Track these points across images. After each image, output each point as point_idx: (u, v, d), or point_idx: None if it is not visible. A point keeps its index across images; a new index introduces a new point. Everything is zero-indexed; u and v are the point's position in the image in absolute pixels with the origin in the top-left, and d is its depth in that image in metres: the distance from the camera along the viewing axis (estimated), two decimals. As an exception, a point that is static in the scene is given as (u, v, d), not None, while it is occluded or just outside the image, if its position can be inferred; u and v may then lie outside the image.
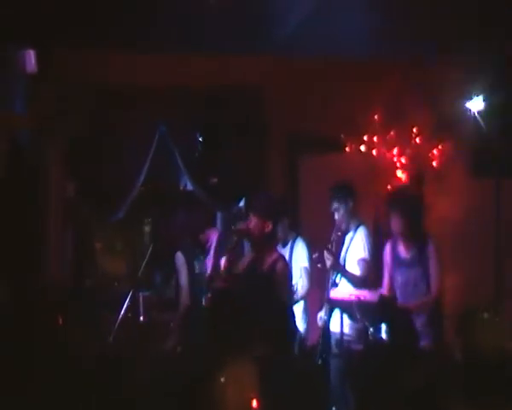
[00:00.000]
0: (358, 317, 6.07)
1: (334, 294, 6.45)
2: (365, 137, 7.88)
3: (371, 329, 6.03)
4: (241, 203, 7.87)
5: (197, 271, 7.07)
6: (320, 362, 6.41)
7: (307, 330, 7.10)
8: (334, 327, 6.53)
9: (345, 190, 6.71)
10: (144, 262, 7.12)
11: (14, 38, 7.19)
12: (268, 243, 5.80)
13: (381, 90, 7.55)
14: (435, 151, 7.91)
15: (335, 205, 6.67)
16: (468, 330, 5.28)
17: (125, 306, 6.90)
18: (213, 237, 7.31)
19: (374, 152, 7.90)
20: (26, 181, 7.51)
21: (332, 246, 6.58)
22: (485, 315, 5.29)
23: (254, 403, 4.90)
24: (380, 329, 6.08)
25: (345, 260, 6.71)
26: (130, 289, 7.06)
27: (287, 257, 6.56)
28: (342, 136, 7.88)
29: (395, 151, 7.88)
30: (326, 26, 7.08)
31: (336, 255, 6.60)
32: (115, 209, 7.85)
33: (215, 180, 8.11)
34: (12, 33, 7.07)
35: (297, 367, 6.14)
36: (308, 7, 6.82)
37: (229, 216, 7.95)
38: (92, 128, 7.67)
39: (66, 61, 7.60)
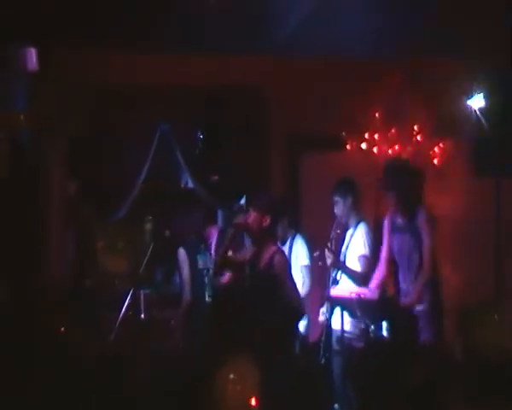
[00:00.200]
0: (359, 314, 6.08)
1: (335, 292, 6.44)
2: (366, 135, 7.88)
3: (372, 326, 6.03)
4: (242, 201, 7.87)
5: (200, 266, 7.08)
6: (323, 361, 6.40)
7: (308, 327, 7.10)
8: (335, 325, 6.52)
9: (345, 185, 6.73)
10: (145, 260, 7.14)
11: (15, 37, 7.21)
12: (266, 237, 5.80)
13: (382, 89, 7.56)
14: (436, 149, 7.92)
15: (335, 199, 6.70)
16: (468, 330, 5.30)
17: (125, 304, 6.92)
18: (214, 233, 7.32)
19: (375, 150, 7.91)
20: (26, 181, 7.51)
21: (332, 244, 6.60)
22: (486, 315, 5.31)
23: (257, 402, 4.91)
24: (380, 326, 6.10)
25: (345, 257, 6.71)
26: (130, 287, 7.08)
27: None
28: (343, 134, 7.89)
29: (396, 149, 7.88)
30: (326, 26, 7.08)
31: (336, 253, 6.61)
32: (115, 209, 7.86)
33: (216, 178, 8.13)
34: (12, 33, 7.09)
35: (299, 365, 6.15)
36: (308, 7, 6.83)
37: (229, 213, 7.96)
38: (92, 128, 7.67)
39: (66, 61, 7.61)
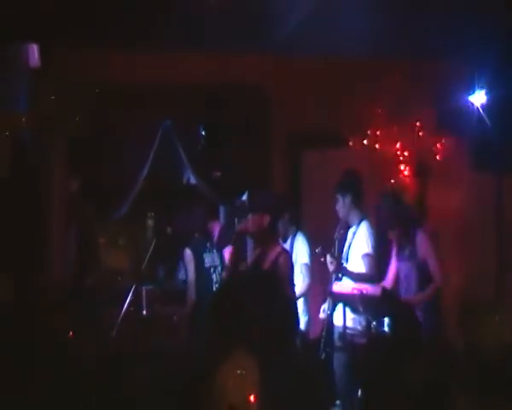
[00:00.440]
0: (361, 310, 6.06)
1: (337, 288, 6.42)
2: (368, 132, 7.88)
3: (374, 322, 6.02)
4: (244, 197, 7.88)
5: (207, 264, 7.09)
6: (324, 356, 6.39)
7: (308, 324, 7.10)
8: (337, 321, 6.50)
9: (346, 182, 6.72)
10: (147, 256, 7.13)
11: (15, 37, 7.22)
12: (268, 237, 5.81)
13: (383, 87, 7.56)
14: (438, 145, 7.92)
15: (336, 195, 6.70)
16: (468, 329, 5.30)
17: (128, 300, 6.91)
18: (216, 229, 7.32)
19: (377, 146, 7.90)
20: (27, 181, 7.51)
21: (335, 246, 6.57)
22: (486, 314, 5.32)
23: (257, 399, 4.89)
24: (382, 322, 6.08)
25: (348, 256, 6.68)
26: (133, 284, 7.07)
27: (287, 252, 6.55)
28: (345, 131, 7.89)
29: (398, 145, 7.89)
30: (326, 26, 7.09)
31: (339, 259, 6.58)
32: (116, 209, 7.87)
33: (218, 174, 8.14)
34: (12, 33, 7.10)
35: (300, 362, 6.13)
36: (308, 7, 6.84)
37: (231, 209, 7.98)
38: (92, 128, 7.66)
39: (67, 60, 7.61)
